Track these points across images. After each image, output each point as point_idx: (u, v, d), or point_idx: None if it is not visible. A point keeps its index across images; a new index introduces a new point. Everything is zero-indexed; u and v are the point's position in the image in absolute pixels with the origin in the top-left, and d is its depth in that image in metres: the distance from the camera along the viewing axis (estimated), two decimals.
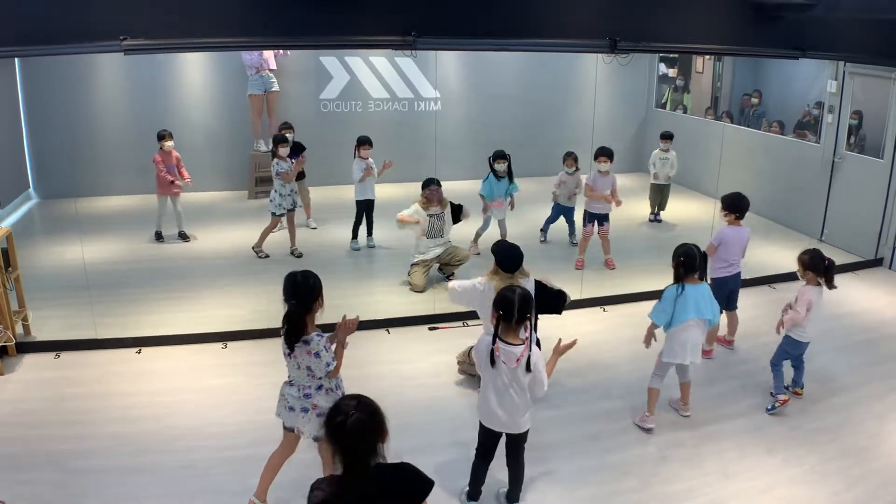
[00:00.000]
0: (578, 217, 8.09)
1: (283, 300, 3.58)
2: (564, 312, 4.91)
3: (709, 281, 4.90)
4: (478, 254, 7.79)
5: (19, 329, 5.74)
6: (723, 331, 5.97)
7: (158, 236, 8.35)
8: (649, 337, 4.87)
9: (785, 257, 7.58)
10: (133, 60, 9.10)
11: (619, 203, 7.70)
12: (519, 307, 3.53)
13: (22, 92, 9.54)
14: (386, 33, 4.99)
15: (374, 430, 2.38)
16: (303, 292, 3.54)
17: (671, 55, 11.52)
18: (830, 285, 4.91)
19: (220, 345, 5.88)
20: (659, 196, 9.49)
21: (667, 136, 9.24)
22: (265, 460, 3.88)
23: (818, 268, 4.87)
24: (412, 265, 7.09)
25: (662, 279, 5.03)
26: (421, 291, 6.97)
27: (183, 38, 4.79)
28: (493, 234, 7.86)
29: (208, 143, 10.29)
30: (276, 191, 7.67)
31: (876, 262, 8.11)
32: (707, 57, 11.03)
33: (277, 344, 3.71)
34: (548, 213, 8.47)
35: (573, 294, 6.59)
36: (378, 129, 9.34)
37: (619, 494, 4.16)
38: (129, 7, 4.50)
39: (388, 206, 8.07)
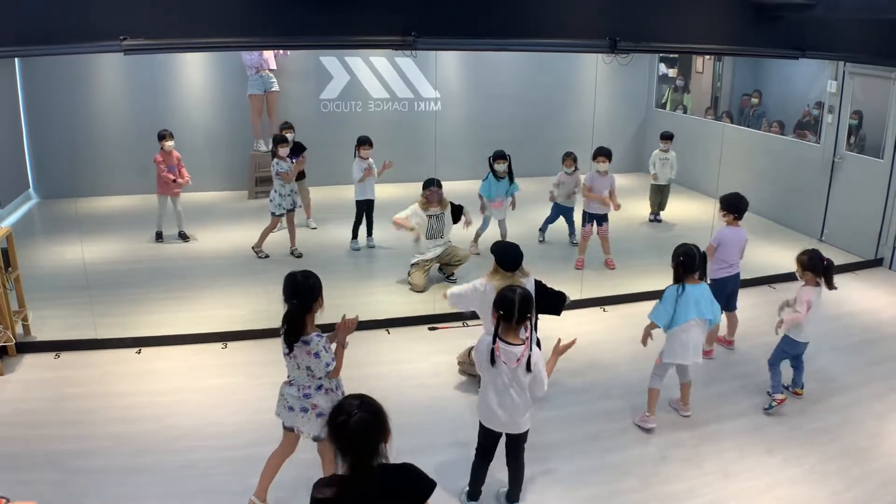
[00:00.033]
0: (578, 217, 8.09)
1: (283, 300, 3.58)
2: (564, 313, 4.91)
3: (708, 282, 4.89)
4: (477, 254, 7.79)
5: (19, 329, 5.74)
6: (722, 331, 5.97)
7: (159, 236, 8.35)
8: (646, 336, 4.87)
9: (785, 257, 7.57)
10: (133, 60, 9.10)
11: (617, 207, 7.71)
12: (519, 307, 3.53)
13: (22, 92, 9.55)
14: (386, 33, 4.98)
15: (377, 430, 2.38)
16: (303, 292, 3.54)
17: (671, 55, 11.53)
18: (830, 286, 4.91)
19: (220, 345, 5.88)
20: (659, 196, 9.49)
21: (667, 137, 9.24)
22: (265, 460, 3.88)
23: (817, 268, 4.87)
24: (412, 265, 7.09)
25: (662, 279, 5.04)
26: (421, 291, 6.97)
27: (183, 38, 4.79)
28: (493, 234, 7.87)
29: (208, 143, 10.29)
30: (275, 191, 7.68)
31: (876, 263, 8.11)
32: (707, 57, 11.04)
33: (277, 344, 3.71)
34: (548, 213, 8.47)
35: (573, 294, 6.60)
36: (378, 130, 9.34)
37: (619, 494, 4.16)
38: (129, 7, 4.50)
39: (388, 206, 8.07)
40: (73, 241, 7.46)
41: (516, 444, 3.87)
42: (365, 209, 8.10)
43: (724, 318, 5.78)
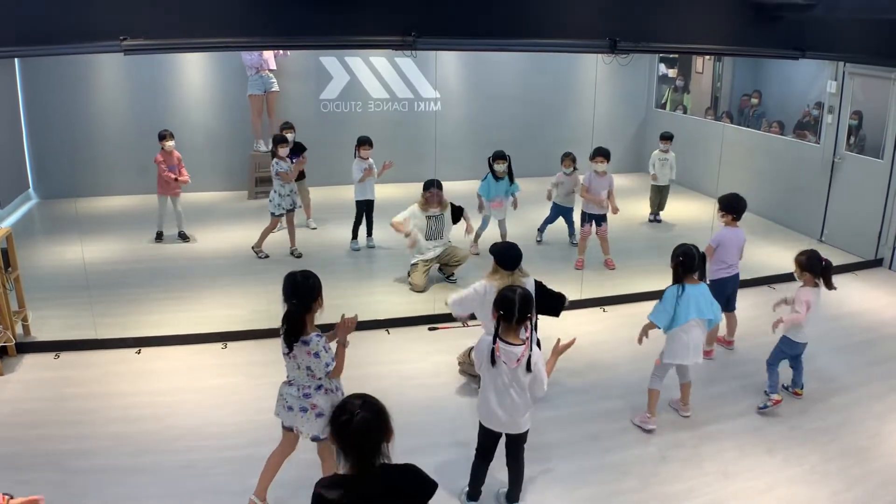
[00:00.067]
0: (577, 217, 8.09)
1: (282, 300, 3.58)
2: (564, 313, 4.91)
3: (707, 282, 4.89)
4: (476, 254, 7.78)
5: (19, 329, 5.74)
6: (722, 331, 5.97)
7: (159, 236, 8.35)
8: (642, 335, 4.83)
9: (785, 258, 7.54)
10: (133, 60, 9.10)
11: (615, 210, 7.71)
12: (519, 307, 3.53)
13: (22, 92, 9.55)
14: (386, 33, 4.98)
15: (380, 430, 2.38)
16: (302, 292, 3.54)
17: (671, 55, 11.53)
18: (830, 286, 4.91)
19: (220, 345, 5.88)
20: (658, 196, 9.49)
21: (666, 137, 9.24)
22: (265, 460, 3.88)
23: (815, 269, 4.87)
24: (412, 265, 7.09)
25: (662, 279, 5.04)
26: (421, 291, 6.97)
27: (183, 38, 4.79)
28: (493, 235, 7.87)
29: (208, 143, 10.29)
30: (275, 191, 7.68)
31: (876, 263, 8.11)
32: (707, 57, 11.04)
33: (277, 344, 3.71)
34: (547, 213, 8.47)
35: (573, 294, 6.60)
36: (378, 130, 9.34)
37: (619, 494, 4.16)
38: (129, 7, 4.50)
39: (387, 206, 8.07)
40: (73, 241, 7.46)
41: (516, 445, 3.87)
42: (365, 209, 8.10)
43: (723, 318, 5.78)
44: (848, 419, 4.97)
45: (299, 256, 7.81)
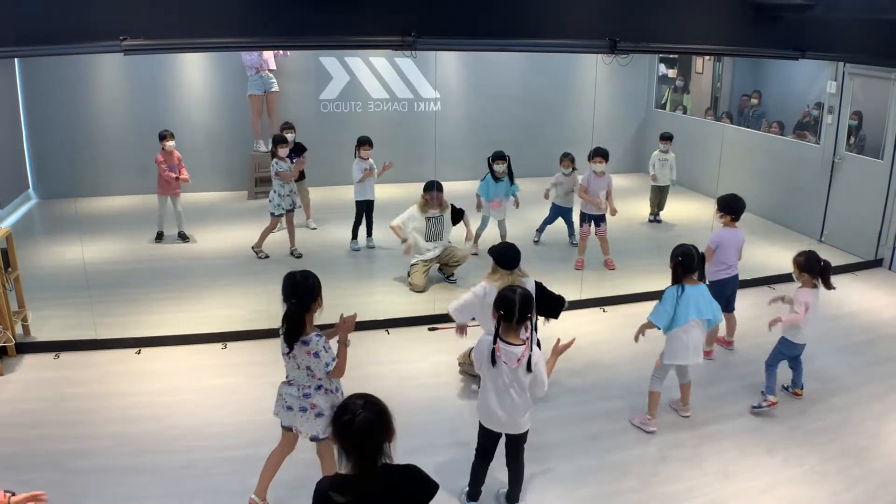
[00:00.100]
0: (577, 218, 8.09)
1: (281, 300, 3.58)
2: (564, 313, 4.92)
3: (707, 284, 4.89)
4: (475, 254, 7.76)
5: (19, 329, 5.74)
6: (721, 332, 5.97)
7: (160, 237, 8.35)
8: (639, 333, 4.80)
9: (784, 258, 7.51)
10: (133, 60, 9.09)
11: (614, 211, 7.71)
12: (520, 307, 3.53)
13: (22, 92, 9.55)
14: (386, 33, 4.98)
15: (382, 430, 2.37)
16: (302, 292, 3.54)
17: (671, 55, 11.53)
18: (829, 286, 4.91)
19: (220, 345, 5.88)
20: (658, 196, 9.49)
21: (666, 138, 9.24)
22: (265, 460, 3.88)
23: (814, 270, 4.87)
24: (412, 265, 7.09)
25: (662, 279, 5.04)
26: (421, 291, 6.97)
27: (183, 38, 4.79)
28: (492, 235, 7.88)
29: (208, 143, 10.29)
30: (275, 191, 7.68)
31: (876, 263, 8.11)
32: (707, 57, 11.04)
33: (277, 344, 3.71)
34: (547, 213, 8.46)
35: (573, 295, 6.61)
36: (378, 130, 9.33)
37: (619, 494, 4.16)
38: (129, 7, 4.50)
39: (387, 206, 8.07)
40: (73, 241, 7.46)
41: (516, 445, 3.87)
42: (365, 209, 8.10)
43: (723, 318, 5.79)
44: (848, 419, 4.97)
45: (299, 257, 7.81)
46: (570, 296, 5.03)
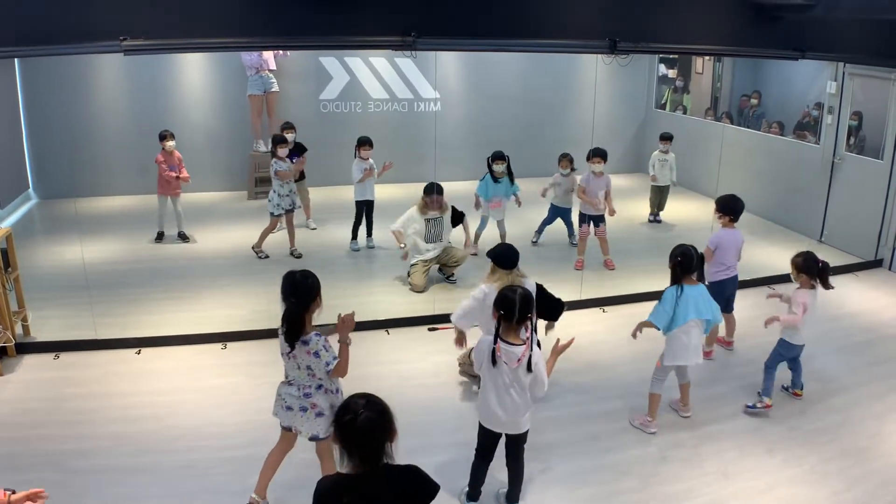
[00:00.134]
0: (575, 218, 8.09)
1: (281, 299, 3.58)
2: (564, 314, 4.93)
3: (706, 285, 4.89)
4: (475, 254, 7.73)
5: (19, 329, 5.74)
6: (721, 332, 5.97)
7: (160, 237, 8.35)
8: (637, 330, 4.78)
9: (784, 258, 7.47)
10: (133, 60, 9.09)
11: (612, 212, 7.71)
12: (520, 307, 3.53)
13: (22, 92, 9.55)
14: (386, 33, 4.99)
15: (384, 429, 2.37)
16: (301, 291, 3.54)
17: (671, 56, 11.53)
18: (826, 286, 4.91)
19: (220, 345, 5.88)
20: (658, 197, 9.50)
21: (666, 138, 9.23)
22: (265, 459, 3.88)
23: (812, 270, 4.87)
24: (412, 265, 7.09)
25: (662, 280, 5.03)
26: (421, 291, 6.97)
27: (183, 38, 4.79)
28: (492, 235, 7.88)
29: (208, 143, 10.29)
30: (274, 191, 7.68)
31: (875, 263, 8.11)
32: (707, 57, 11.04)
33: (277, 344, 3.70)
34: (546, 214, 8.46)
35: (573, 295, 6.62)
36: (378, 130, 9.33)
37: (619, 494, 4.16)
38: (129, 7, 4.51)
39: (387, 206, 8.08)
40: (73, 241, 7.46)
41: (516, 445, 3.87)
42: (364, 210, 8.10)
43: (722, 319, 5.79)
44: (847, 419, 4.97)
45: (299, 257, 7.81)
46: (569, 296, 5.05)
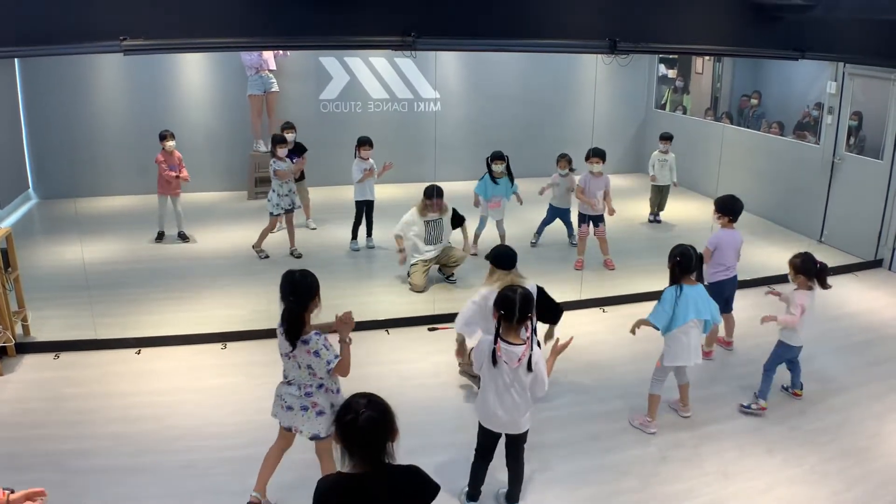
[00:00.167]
0: (575, 218, 8.09)
1: (280, 299, 3.58)
2: (564, 314, 4.92)
3: (706, 285, 4.89)
4: (474, 254, 7.72)
5: (19, 329, 5.74)
6: (721, 332, 5.97)
7: (160, 237, 8.35)
8: (635, 327, 4.78)
9: (784, 258, 7.47)
10: (133, 60, 9.10)
11: (612, 212, 7.71)
12: (520, 307, 3.54)
13: (22, 92, 9.55)
14: (386, 33, 4.99)
15: (385, 429, 2.37)
16: (300, 290, 3.54)
17: (671, 56, 11.53)
18: (824, 286, 4.91)
19: (220, 345, 5.88)
20: (658, 197, 9.50)
21: (666, 138, 9.23)
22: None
23: (810, 271, 4.87)
24: (412, 265, 7.09)
25: (662, 280, 5.03)
26: (421, 291, 6.97)
27: (183, 38, 4.79)
28: (491, 235, 7.87)
29: (208, 143, 10.29)
30: (273, 191, 7.68)
31: (875, 264, 8.11)
32: (707, 58, 11.04)
33: (277, 344, 3.70)
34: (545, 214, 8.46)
35: (573, 295, 6.63)
36: (378, 130, 9.33)
37: (619, 494, 4.16)
38: (129, 7, 4.50)
39: (387, 206, 8.08)
40: (73, 241, 7.46)
41: (516, 445, 3.87)
42: (364, 210, 8.10)
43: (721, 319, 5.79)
44: (847, 419, 4.97)
45: (299, 257, 7.81)
46: (569, 296, 5.04)
